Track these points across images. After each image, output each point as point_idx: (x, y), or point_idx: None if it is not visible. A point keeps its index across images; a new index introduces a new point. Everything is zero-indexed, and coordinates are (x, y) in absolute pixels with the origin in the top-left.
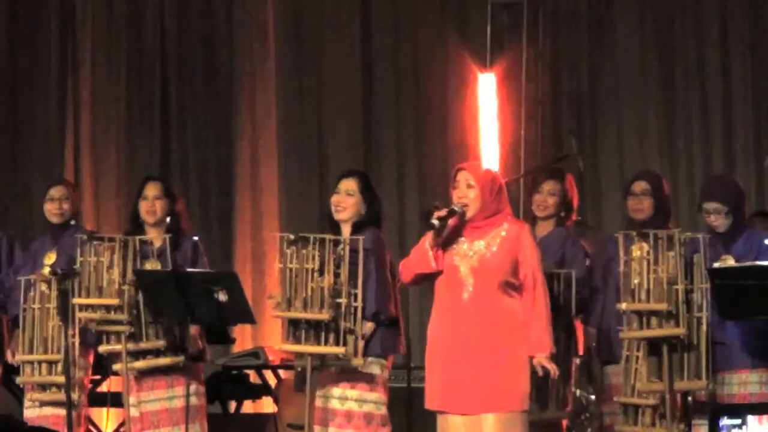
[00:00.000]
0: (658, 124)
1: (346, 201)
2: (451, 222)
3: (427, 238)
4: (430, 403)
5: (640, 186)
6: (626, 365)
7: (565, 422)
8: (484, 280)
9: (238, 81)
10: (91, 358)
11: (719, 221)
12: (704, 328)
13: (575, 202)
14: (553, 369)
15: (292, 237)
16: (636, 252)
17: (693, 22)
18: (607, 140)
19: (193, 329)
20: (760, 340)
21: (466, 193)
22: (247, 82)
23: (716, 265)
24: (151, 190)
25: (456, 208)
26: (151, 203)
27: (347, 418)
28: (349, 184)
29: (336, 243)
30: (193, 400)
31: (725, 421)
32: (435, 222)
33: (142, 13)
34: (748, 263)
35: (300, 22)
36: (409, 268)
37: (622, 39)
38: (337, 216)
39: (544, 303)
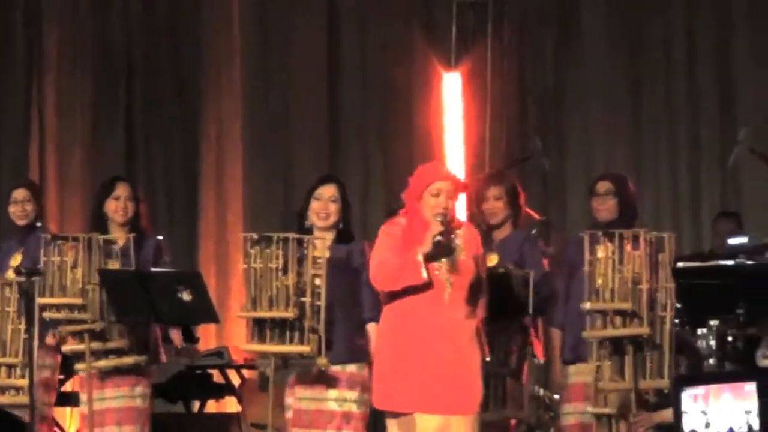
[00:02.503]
0: (624, 124)
1: (329, 208)
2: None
3: (420, 252)
4: (406, 406)
5: (603, 186)
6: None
7: (513, 422)
8: (460, 280)
9: (203, 81)
10: (59, 358)
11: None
12: (668, 327)
13: (522, 201)
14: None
15: (255, 237)
16: (601, 253)
17: (660, 21)
18: (572, 140)
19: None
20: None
21: (447, 204)
22: (212, 82)
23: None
24: (123, 190)
25: (442, 222)
26: (123, 203)
27: (346, 419)
28: (331, 191)
29: (300, 242)
30: (139, 401)
31: (687, 392)
32: (440, 238)
33: (107, 13)
34: (711, 262)
35: (266, 23)
36: (394, 279)
37: (588, 38)
38: (322, 223)
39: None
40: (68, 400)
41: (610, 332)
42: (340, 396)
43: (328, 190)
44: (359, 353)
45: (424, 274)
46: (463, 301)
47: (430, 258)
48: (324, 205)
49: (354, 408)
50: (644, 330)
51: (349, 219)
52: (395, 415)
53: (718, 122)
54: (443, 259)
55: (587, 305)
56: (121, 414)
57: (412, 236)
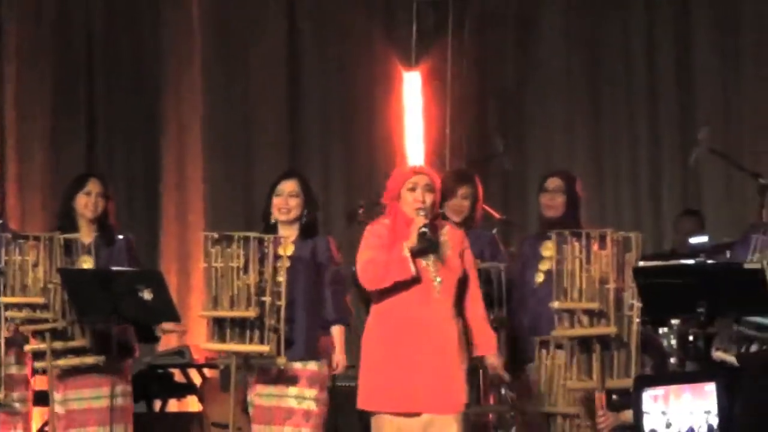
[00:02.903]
0: (584, 123)
1: (289, 203)
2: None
3: (405, 247)
4: (387, 405)
5: (553, 183)
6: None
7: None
8: (448, 276)
9: (163, 80)
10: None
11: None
12: (635, 326)
13: (480, 203)
14: (503, 373)
15: (216, 236)
16: (546, 252)
17: (619, 20)
18: (533, 139)
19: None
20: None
21: (424, 197)
22: (172, 81)
23: None
24: (95, 186)
25: (426, 217)
26: (94, 199)
27: (305, 416)
28: (291, 186)
29: (260, 241)
30: (119, 401)
31: (647, 392)
32: (426, 230)
33: (68, 11)
34: (671, 261)
35: (225, 22)
36: (382, 276)
37: (548, 38)
38: (282, 217)
39: (483, 303)
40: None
41: (578, 331)
42: (299, 393)
43: (288, 185)
44: (319, 352)
45: (413, 269)
46: (451, 298)
47: (417, 252)
48: (284, 200)
49: (313, 406)
50: (612, 329)
51: (314, 214)
52: (382, 414)
53: (678, 122)
54: (431, 255)
55: (556, 304)
56: (102, 414)
57: (396, 235)
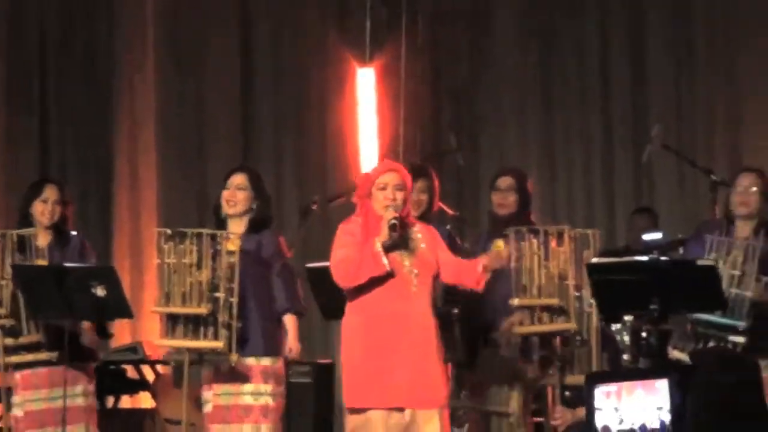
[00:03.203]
0: (537, 120)
1: (237, 195)
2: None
3: (377, 242)
4: (368, 401)
5: (505, 182)
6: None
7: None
8: (424, 271)
9: (117, 77)
10: None
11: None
12: (594, 322)
13: (437, 196)
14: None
15: (169, 232)
16: (498, 245)
17: (572, 17)
18: (486, 136)
19: (86, 325)
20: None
21: (395, 195)
22: (125, 79)
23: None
24: (51, 193)
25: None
26: (51, 206)
27: (263, 412)
28: (239, 179)
29: (213, 237)
30: (80, 400)
31: (599, 389)
32: (395, 221)
33: (21, 10)
34: (625, 258)
35: (179, 18)
36: (355, 273)
37: (501, 34)
38: (229, 210)
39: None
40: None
41: (538, 328)
42: (255, 389)
43: (237, 179)
44: (274, 346)
45: (386, 264)
46: (428, 292)
47: (389, 247)
48: (232, 192)
49: (270, 401)
50: (571, 325)
51: (264, 209)
52: (361, 410)
53: (631, 119)
54: (404, 251)
55: (515, 301)
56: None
57: (368, 233)
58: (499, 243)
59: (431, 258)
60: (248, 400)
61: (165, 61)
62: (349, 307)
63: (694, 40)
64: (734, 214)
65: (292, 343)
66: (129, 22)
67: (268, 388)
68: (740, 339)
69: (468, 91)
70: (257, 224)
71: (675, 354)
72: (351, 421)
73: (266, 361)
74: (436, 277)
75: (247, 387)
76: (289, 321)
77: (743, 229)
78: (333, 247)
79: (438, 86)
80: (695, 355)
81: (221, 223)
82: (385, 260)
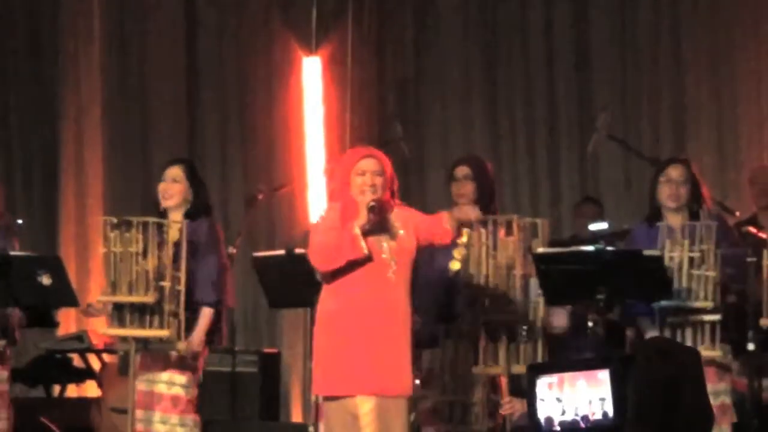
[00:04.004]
0: (482, 110)
1: (172, 188)
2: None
3: (356, 224)
4: (336, 389)
5: (462, 171)
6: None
7: None
8: (402, 258)
9: (62, 64)
10: None
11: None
12: (541, 312)
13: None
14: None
15: (115, 220)
16: (463, 239)
17: (517, 5)
18: (431, 125)
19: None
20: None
21: (373, 180)
22: (71, 65)
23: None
24: None
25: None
26: None
27: (173, 402)
28: (174, 172)
29: (159, 226)
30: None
31: (541, 380)
32: (374, 204)
33: None
34: (572, 248)
35: (124, 4)
36: (334, 256)
37: (447, 23)
38: (165, 203)
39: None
40: None
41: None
42: (169, 379)
43: (171, 171)
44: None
45: (364, 247)
46: (405, 281)
47: (367, 231)
48: (167, 185)
49: (182, 392)
50: (518, 315)
51: (203, 198)
52: (334, 398)
53: (577, 108)
54: (383, 237)
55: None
56: None
57: (346, 220)
58: (465, 233)
59: (410, 244)
60: (162, 388)
61: (110, 48)
62: (325, 292)
63: (638, 27)
64: (663, 206)
65: (195, 335)
66: (74, 7)
67: (182, 379)
68: (716, 317)
69: (414, 80)
70: (192, 214)
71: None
72: (325, 407)
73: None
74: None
75: (163, 376)
76: (203, 314)
77: (673, 220)
78: (311, 233)
79: (384, 75)
80: (635, 345)
81: (161, 215)
82: (363, 243)
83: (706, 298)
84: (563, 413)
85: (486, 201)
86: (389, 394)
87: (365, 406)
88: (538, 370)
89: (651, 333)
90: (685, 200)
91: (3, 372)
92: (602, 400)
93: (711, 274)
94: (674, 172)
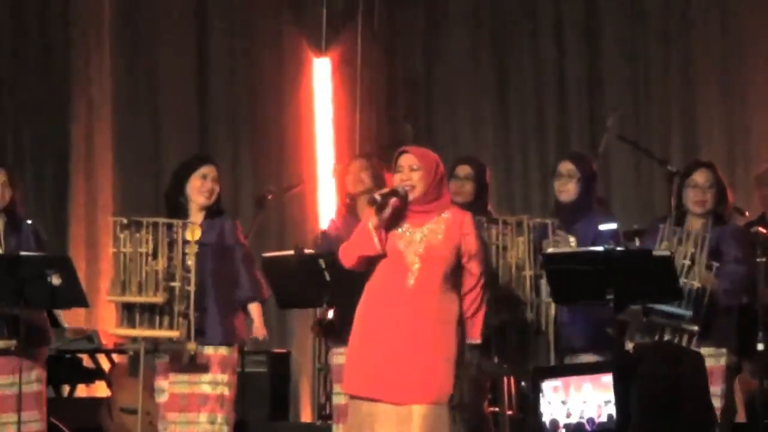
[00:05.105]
0: (492, 111)
1: (216, 187)
2: (393, 203)
3: (370, 219)
4: (355, 388)
5: (464, 170)
6: None
7: None
8: (429, 267)
9: (73, 64)
10: None
11: (568, 186)
12: (552, 313)
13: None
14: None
15: (125, 221)
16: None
17: (528, 7)
18: (441, 126)
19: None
20: (593, 324)
21: (410, 176)
22: (82, 66)
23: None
24: (1, 176)
25: (399, 189)
26: (1, 189)
27: (219, 401)
28: (213, 171)
29: (169, 226)
30: (34, 386)
31: (546, 383)
32: (377, 197)
33: None
34: (581, 248)
35: (135, 5)
36: (350, 251)
37: (457, 23)
38: (206, 201)
39: (474, 294)
40: None
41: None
42: (212, 379)
43: (211, 170)
44: (231, 335)
45: (376, 243)
46: (430, 290)
47: (386, 226)
48: (211, 184)
49: (226, 391)
50: (528, 316)
51: (220, 197)
52: (353, 397)
53: (587, 108)
54: (408, 241)
55: None
56: (14, 401)
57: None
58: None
59: (445, 251)
60: (206, 389)
61: (121, 48)
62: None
63: (648, 30)
64: (688, 210)
65: (259, 330)
66: (85, 7)
67: (224, 377)
68: (694, 327)
69: (424, 80)
70: (216, 212)
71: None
72: (349, 404)
73: (223, 351)
74: (452, 272)
75: (205, 377)
76: (255, 309)
77: (695, 223)
78: None
79: (394, 75)
80: (638, 348)
81: (180, 213)
82: (375, 240)
83: (686, 307)
84: (568, 416)
85: (482, 203)
86: (404, 402)
87: (376, 410)
88: (542, 373)
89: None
90: (711, 205)
91: (34, 372)
92: (607, 403)
93: (695, 284)
94: (701, 177)
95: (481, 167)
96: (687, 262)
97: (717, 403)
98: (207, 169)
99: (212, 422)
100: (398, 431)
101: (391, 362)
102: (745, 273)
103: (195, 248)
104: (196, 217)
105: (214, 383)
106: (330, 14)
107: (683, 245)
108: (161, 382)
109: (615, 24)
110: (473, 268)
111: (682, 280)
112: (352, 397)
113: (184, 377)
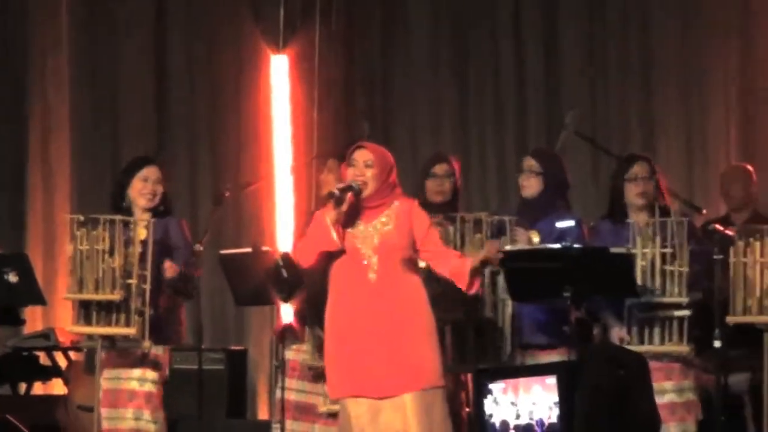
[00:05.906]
0: (451, 109)
1: (157, 189)
2: (349, 198)
3: (327, 215)
4: (339, 392)
5: (442, 168)
6: None
7: None
8: (387, 257)
9: (30, 61)
10: None
11: (531, 181)
12: (509, 310)
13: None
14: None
15: (82, 218)
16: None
17: (487, 6)
18: (399, 123)
19: None
20: (552, 320)
21: (363, 172)
22: (38, 62)
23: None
24: None
25: (353, 185)
26: None
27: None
28: (156, 173)
29: (126, 224)
30: None
31: (492, 386)
32: (335, 191)
33: None
34: (539, 246)
35: (93, 5)
36: (308, 249)
37: (416, 21)
38: (148, 204)
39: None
40: None
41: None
42: (141, 376)
43: (152, 172)
44: (164, 335)
45: (335, 238)
46: (393, 281)
47: (343, 222)
48: (151, 186)
49: (154, 388)
50: (487, 313)
51: (168, 195)
52: (342, 401)
53: (545, 105)
54: (362, 236)
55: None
56: None
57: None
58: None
59: (398, 240)
60: (134, 385)
61: (77, 46)
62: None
63: (607, 26)
64: (631, 205)
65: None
66: (43, 4)
67: (154, 375)
68: (686, 313)
69: (382, 77)
70: (161, 212)
71: (617, 338)
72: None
73: (158, 350)
74: (410, 258)
75: (135, 372)
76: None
77: (640, 217)
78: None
79: (352, 73)
80: (582, 351)
81: (124, 212)
82: (334, 234)
83: (680, 294)
84: (518, 417)
85: (456, 201)
86: (382, 395)
87: (353, 409)
88: (486, 374)
89: (616, 328)
90: (652, 197)
91: None
92: (557, 404)
93: (683, 269)
94: (639, 169)
95: (455, 164)
96: (669, 250)
97: (678, 397)
98: (148, 171)
99: (138, 418)
100: (395, 423)
101: (371, 359)
102: (710, 253)
103: (150, 246)
104: (142, 217)
105: (143, 380)
106: (287, 11)
107: (658, 235)
108: (99, 378)
109: (573, 24)
110: (433, 236)
111: (668, 267)
112: (340, 400)
113: (115, 373)
